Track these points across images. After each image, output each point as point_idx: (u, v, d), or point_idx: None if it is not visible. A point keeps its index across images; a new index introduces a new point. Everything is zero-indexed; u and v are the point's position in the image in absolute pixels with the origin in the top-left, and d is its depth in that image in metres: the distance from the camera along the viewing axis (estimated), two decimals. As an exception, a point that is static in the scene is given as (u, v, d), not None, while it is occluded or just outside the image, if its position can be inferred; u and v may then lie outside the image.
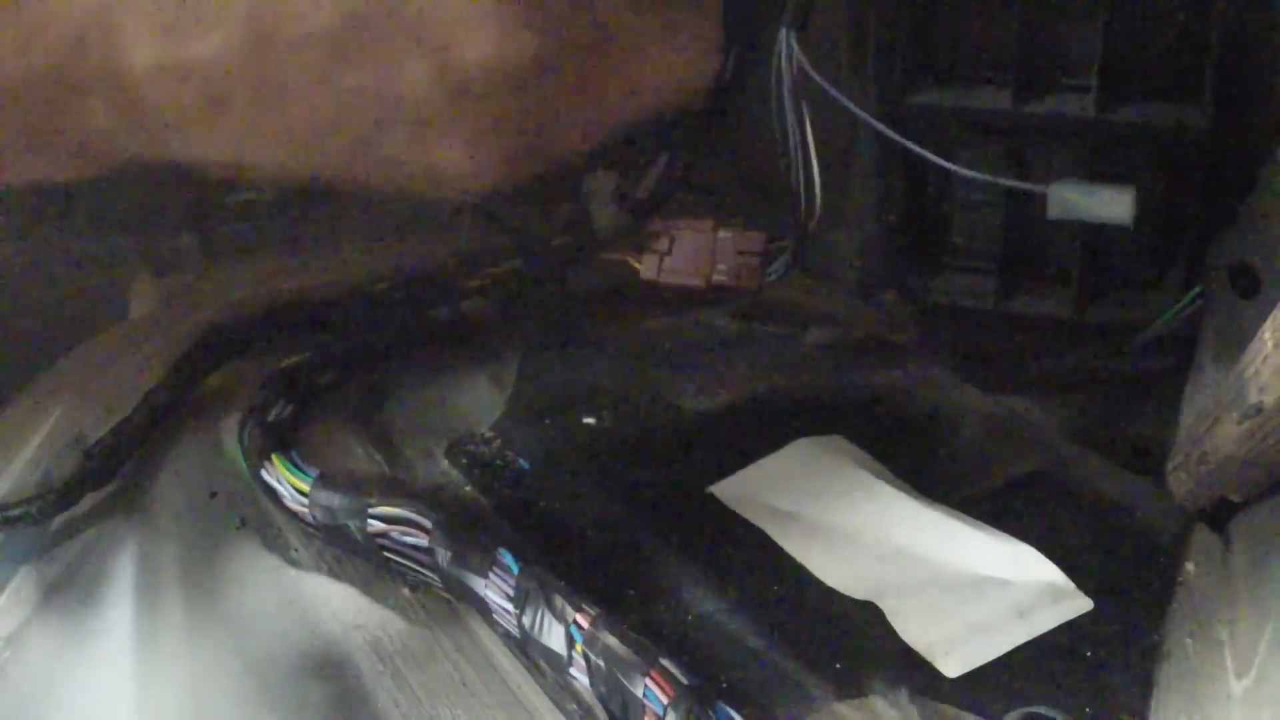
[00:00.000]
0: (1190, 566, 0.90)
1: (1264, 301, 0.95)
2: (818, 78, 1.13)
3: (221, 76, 0.73)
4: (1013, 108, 1.16)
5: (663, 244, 1.26)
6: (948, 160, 1.15)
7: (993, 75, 1.16)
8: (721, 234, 1.26)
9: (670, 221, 1.27)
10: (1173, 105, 1.10)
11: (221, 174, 0.83)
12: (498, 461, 1.01)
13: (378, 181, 0.83)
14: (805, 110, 1.16)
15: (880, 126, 1.12)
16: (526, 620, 0.77)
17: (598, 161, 1.38)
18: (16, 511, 0.93)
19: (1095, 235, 1.15)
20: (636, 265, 1.27)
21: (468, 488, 0.98)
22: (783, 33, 1.13)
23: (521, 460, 1.01)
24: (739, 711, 0.70)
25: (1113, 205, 1.01)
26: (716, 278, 1.25)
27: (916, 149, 1.09)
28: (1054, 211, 1.04)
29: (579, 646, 0.75)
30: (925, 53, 1.19)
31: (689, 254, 1.26)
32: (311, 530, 0.89)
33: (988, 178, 1.08)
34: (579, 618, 0.76)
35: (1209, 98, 1.07)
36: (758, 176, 1.39)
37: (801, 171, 1.18)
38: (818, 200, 1.20)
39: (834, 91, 1.12)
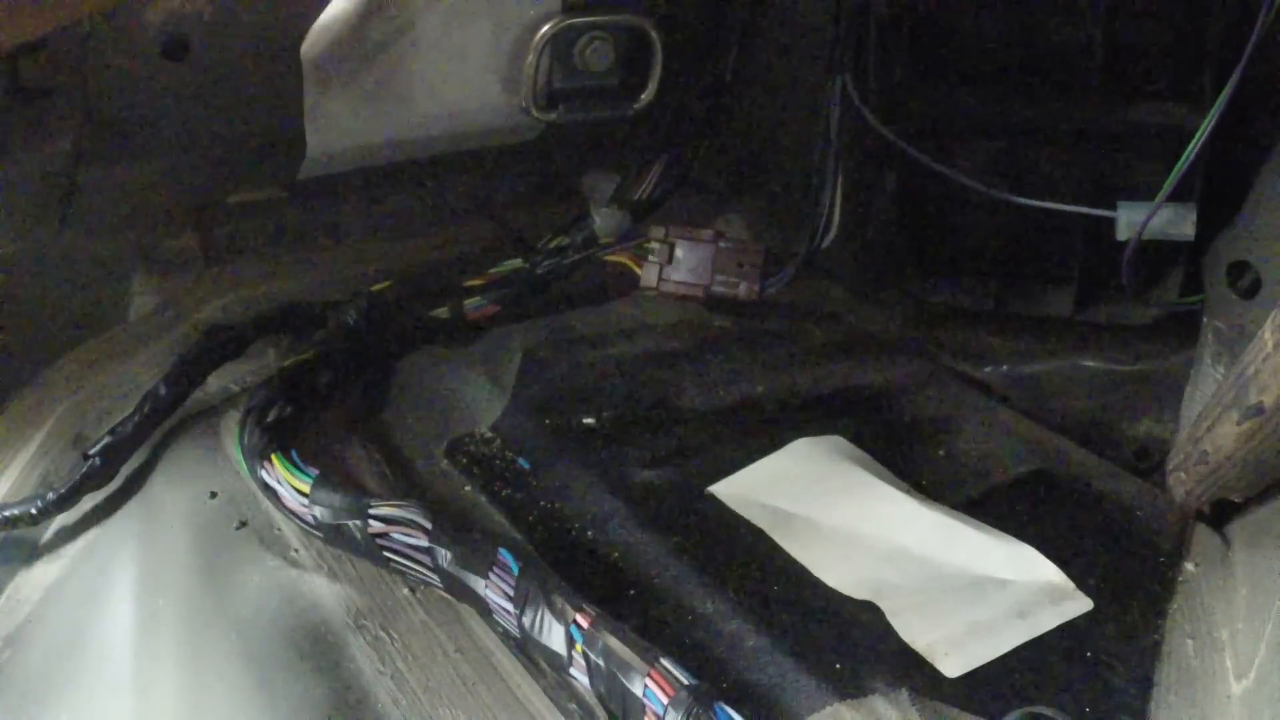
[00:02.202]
0: (1190, 566, 0.90)
1: (1264, 301, 0.95)
2: (873, 121, 1.15)
3: None
4: (1013, 109, 1.16)
5: (663, 253, 1.27)
6: (946, 162, 1.16)
7: (993, 77, 1.16)
8: (722, 244, 1.27)
9: (671, 229, 1.27)
10: (1173, 105, 1.11)
11: None
12: (498, 461, 1.01)
13: None
14: (843, 147, 1.18)
15: (916, 153, 1.14)
16: (526, 620, 0.78)
17: (598, 162, 1.39)
18: (16, 511, 0.93)
19: (1095, 235, 1.15)
20: (636, 270, 1.28)
21: (467, 487, 0.98)
22: (837, 80, 1.17)
23: (521, 460, 1.01)
24: (739, 711, 0.70)
25: (1179, 223, 1.04)
26: (715, 288, 1.26)
27: (981, 188, 1.12)
28: (1123, 233, 1.06)
29: (579, 646, 0.75)
30: (925, 55, 1.19)
31: (689, 263, 1.26)
32: (311, 530, 0.89)
33: (1058, 206, 1.10)
34: (579, 618, 0.76)
35: (1209, 98, 1.07)
36: (758, 179, 1.40)
37: (828, 195, 1.20)
38: (836, 220, 1.21)
39: (886, 132, 1.15)
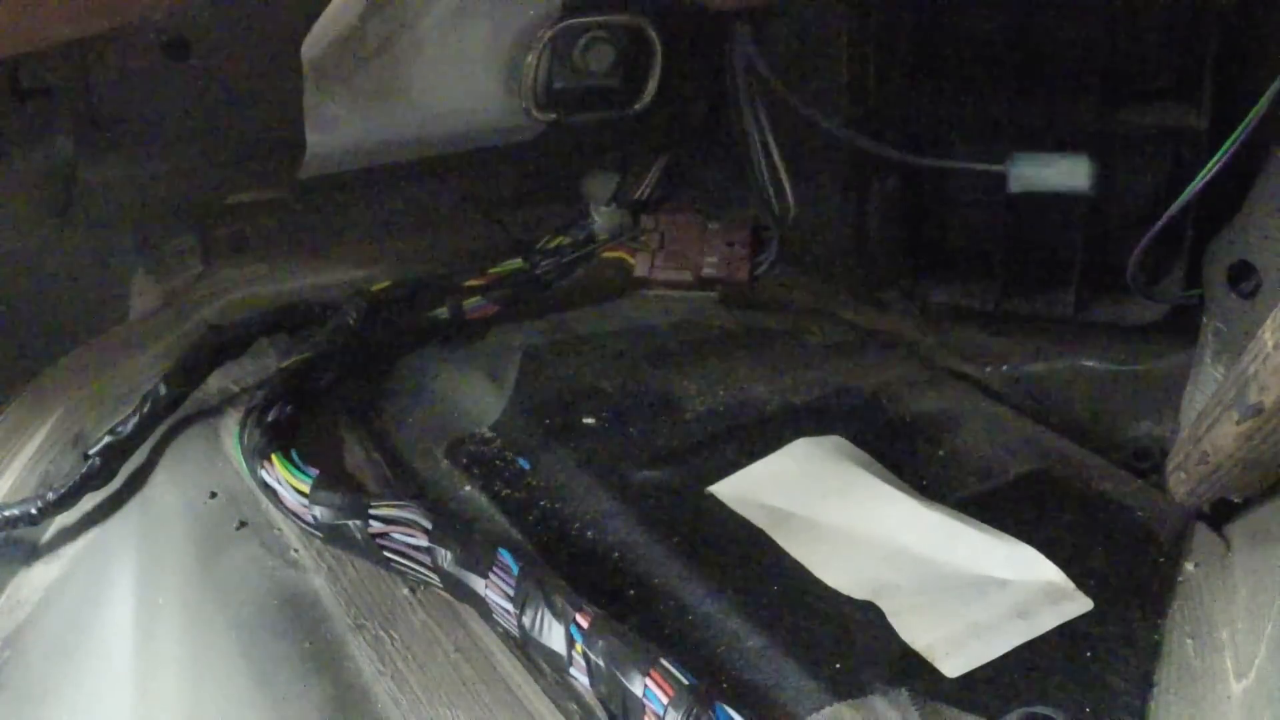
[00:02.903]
0: (1190, 566, 0.90)
1: (1264, 301, 0.95)
2: (770, 76, 1.13)
3: None
4: (1013, 110, 1.16)
5: (654, 240, 1.27)
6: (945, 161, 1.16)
7: (993, 78, 1.16)
8: (710, 226, 1.27)
9: (661, 216, 1.28)
10: (1173, 105, 1.11)
11: None
12: (498, 461, 1.01)
13: None
14: (762, 106, 1.17)
15: (853, 134, 1.13)
16: (526, 620, 0.77)
17: (598, 162, 1.39)
18: (16, 511, 0.93)
19: (1096, 235, 1.15)
20: (631, 261, 1.28)
21: (467, 487, 0.98)
22: (739, 31, 1.14)
23: (521, 460, 1.01)
24: (739, 711, 0.70)
25: (1071, 174, 1.03)
26: (706, 271, 1.26)
27: (890, 151, 1.10)
28: (1015, 185, 1.05)
29: (579, 646, 0.75)
30: (925, 55, 1.19)
31: (679, 248, 1.27)
32: (311, 530, 0.89)
33: (950, 163, 1.09)
34: (579, 618, 0.76)
35: (1209, 98, 1.07)
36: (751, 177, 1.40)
37: (765, 166, 1.19)
38: (789, 192, 1.21)
39: (793, 99, 1.13)
